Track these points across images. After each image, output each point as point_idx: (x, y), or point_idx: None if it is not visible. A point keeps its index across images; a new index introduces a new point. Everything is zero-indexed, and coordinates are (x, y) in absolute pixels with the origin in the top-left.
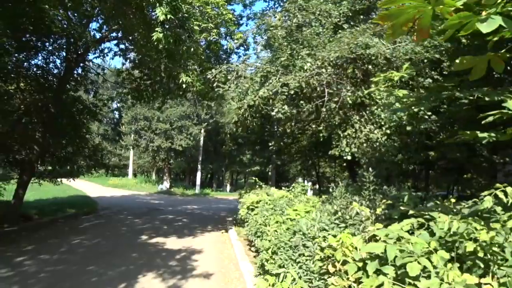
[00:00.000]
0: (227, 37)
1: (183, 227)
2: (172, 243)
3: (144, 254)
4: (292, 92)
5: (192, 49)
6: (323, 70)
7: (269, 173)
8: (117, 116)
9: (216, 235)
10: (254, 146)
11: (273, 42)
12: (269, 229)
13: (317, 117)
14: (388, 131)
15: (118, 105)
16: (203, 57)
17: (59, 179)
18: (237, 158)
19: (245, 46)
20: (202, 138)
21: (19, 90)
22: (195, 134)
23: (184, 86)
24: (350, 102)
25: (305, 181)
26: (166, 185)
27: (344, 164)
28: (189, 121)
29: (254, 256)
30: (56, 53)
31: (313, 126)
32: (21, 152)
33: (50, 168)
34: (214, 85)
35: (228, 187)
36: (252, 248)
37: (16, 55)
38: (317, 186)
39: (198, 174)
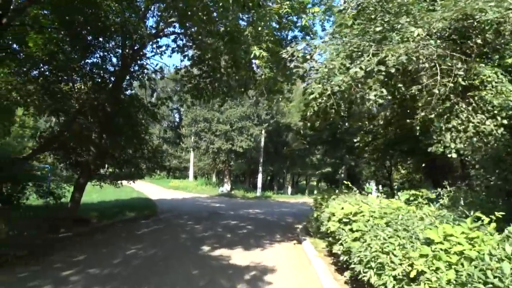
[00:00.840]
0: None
1: (248, 235)
2: (238, 256)
3: (206, 271)
4: (393, 70)
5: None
6: (431, 41)
7: (342, 174)
8: (177, 119)
9: (288, 247)
10: (326, 145)
11: (363, 10)
12: (400, 263)
13: (425, 103)
14: (504, 121)
15: (177, 105)
16: (271, 39)
17: (119, 182)
18: (305, 159)
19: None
20: (263, 139)
21: (74, 89)
22: (255, 135)
23: (255, 62)
24: (463, 83)
25: (374, 184)
26: (226, 187)
27: (423, 165)
28: (249, 122)
29: (346, 282)
30: (112, 50)
31: (422, 113)
32: (80, 153)
33: (110, 170)
34: (292, 65)
35: (289, 190)
36: (344, 273)
37: (72, 53)
38: (380, 188)
39: (259, 176)
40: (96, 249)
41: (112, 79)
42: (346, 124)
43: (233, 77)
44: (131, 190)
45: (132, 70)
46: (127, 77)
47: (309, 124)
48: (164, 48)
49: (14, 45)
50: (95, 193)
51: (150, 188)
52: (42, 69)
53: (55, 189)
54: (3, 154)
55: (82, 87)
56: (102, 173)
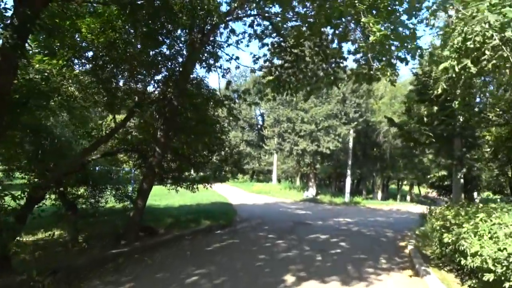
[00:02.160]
0: None
1: (344, 258)
2: None
3: None
4: None
5: None
6: None
7: (462, 179)
8: (260, 121)
9: (402, 281)
10: (440, 142)
11: None
12: None
13: None
14: None
15: (256, 98)
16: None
17: (195, 186)
18: (414, 159)
19: None
20: (351, 139)
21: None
22: (343, 135)
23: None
24: None
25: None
26: (311, 192)
27: None
28: (336, 121)
29: None
30: (181, 38)
31: None
32: (145, 155)
33: (187, 173)
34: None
35: (379, 195)
36: None
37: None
38: None
39: (347, 180)
40: (150, 273)
41: (178, 68)
42: (462, 117)
43: (320, 65)
44: (213, 194)
45: (202, 57)
46: (197, 66)
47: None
48: (240, 36)
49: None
50: (178, 196)
51: (233, 192)
52: (100, 60)
53: (131, 193)
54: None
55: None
56: (176, 176)
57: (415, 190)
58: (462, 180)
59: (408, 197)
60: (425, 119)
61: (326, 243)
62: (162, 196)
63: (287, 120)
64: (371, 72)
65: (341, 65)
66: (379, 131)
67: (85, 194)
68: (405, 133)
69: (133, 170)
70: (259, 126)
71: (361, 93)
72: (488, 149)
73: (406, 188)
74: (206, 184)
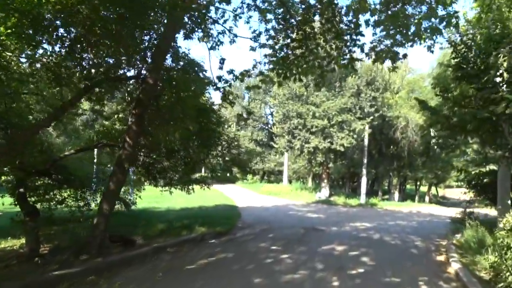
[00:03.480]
0: None
1: (369, 283)
2: None
3: None
4: None
5: None
6: None
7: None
8: (270, 120)
9: None
10: (482, 130)
11: None
12: None
13: None
14: None
15: (259, 82)
16: None
17: (190, 187)
18: (455, 150)
19: None
20: (367, 135)
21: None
22: (358, 131)
23: None
24: None
25: None
26: (324, 193)
27: None
28: (350, 115)
29: None
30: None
31: None
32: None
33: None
34: None
35: (396, 196)
36: None
37: None
38: None
39: (363, 180)
40: None
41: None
42: None
43: (333, 44)
44: (220, 196)
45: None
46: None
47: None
48: (237, 9)
49: None
50: (183, 198)
51: (241, 193)
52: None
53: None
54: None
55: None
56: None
57: (433, 190)
58: (501, 180)
59: (427, 198)
60: (469, 100)
61: (344, 258)
62: (165, 198)
63: (297, 115)
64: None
65: (358, 42)
66: (396, 127)
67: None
68: (442, 119)
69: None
70: (269, 126)
71: (377, 86)
72: None
73: (422, 188)
74: (204, 185)
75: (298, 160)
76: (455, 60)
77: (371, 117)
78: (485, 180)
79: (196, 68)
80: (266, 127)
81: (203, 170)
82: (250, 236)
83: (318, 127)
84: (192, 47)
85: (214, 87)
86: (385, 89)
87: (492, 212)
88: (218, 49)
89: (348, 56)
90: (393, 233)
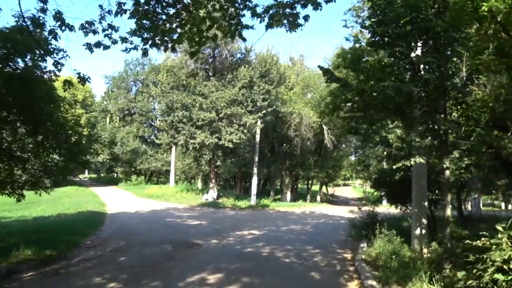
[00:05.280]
0: None
1: None
2: None
3: None
4: None
5: None
6: None
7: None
8: (158, 114)
9: None
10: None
11: None
12: None
13: None
14: None
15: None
16: None
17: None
18: (374, 137)
19: None
20: (258, 131)
21: None
22: (249, 126)
23: None
24: None
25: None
26: (212, 194)
27: None
28: (241, 108)
29: None
30: None
31: None
32: None
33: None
34: None
35: (289, 196)
36: None
37: None
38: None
39: (254, 180)
40: None
41: None
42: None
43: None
44: (93, 200)
45: None
46: None
47: None
48: None
49: None
50: (46, 203)
51: (119, 197)
52: None
53: None
54: None
55: None
56: None
57: (323, 189)
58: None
59: (318, 197)
60: (391, 70)
61: None
62: (27, 204)
63: (182, 107)
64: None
65: (249, 3)
66: (289, 124)
67: None
68: (354, 95)
69: None
70: (152, 120)
71: (271, 78)
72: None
73: (313, 187)
74: (38, 190)
75: (186, 158)
76: (373, 20)
77: (264, 111)
78: (395, 178)
79: None
80: (154, 123)
81: (86, 171)
82: (92, 261)
83: (205, 120)
84: None
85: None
86: (279, 83)
87: (391, 210)
88: None
89: (234, 24)
90: (287, 244)
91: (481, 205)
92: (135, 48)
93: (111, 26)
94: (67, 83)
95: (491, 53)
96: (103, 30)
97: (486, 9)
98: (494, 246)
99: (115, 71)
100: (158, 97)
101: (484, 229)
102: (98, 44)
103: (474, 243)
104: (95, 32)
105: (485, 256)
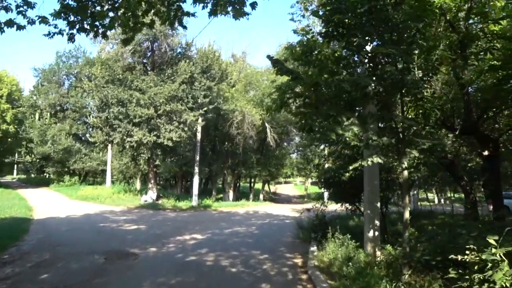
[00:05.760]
0: None
1: None
2: None
3: None
4: None
5: None
6: None
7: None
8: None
9: None
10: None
11: None
12: None
13: None
14: None
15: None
16: None
17: None
18: (331, 134)
19: None
20: (200, 129)
21: None
22: (190, 123)
23: None
24: None
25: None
26: (151, 195)
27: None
28: (181, 104)
29: None
30: None
31: None
32: None
33: None
34: None
35: (231, 195)
36: None
37: None
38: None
39: (195, 179)
40: None
41: None
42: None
43: None
44: (19, 203)
45: None
46: None
47: None
48: None
49: None
50: None
51: (49, 199)
52: None
53: None
54: None
55: None
56: None
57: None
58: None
59: (261, 196)
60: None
61: None
62: None
63: (118, 102)
64: None
65: None
66: (231, 121)
67: None
68: (306, 91)
69: None
70: (86, 115)
71: (212, 74)
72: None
73: (256, 186)
74: None
75: (123, 157)
76: (328, 8)
77: (205, 108)
78: (343, 178)
79: None
80: (88, 120)
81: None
82: (6, 281)
83: (143, 117)
84: None
85: None
86: (221, 80)
87: (332, 207)
88: None
89: (175, 6)
90: (232, 250)
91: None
92: (60, 32)
93: (26, 2)
94: None
95: (443, 50)
96: (17, 6)
97: (438, 6)
98: (489, 264)
99: (45, 63)
100: (92, 91)
101: (427, 225)
102: (10, 23)
103: (459, 257)
104: (7, 9)
105: (477, 276)
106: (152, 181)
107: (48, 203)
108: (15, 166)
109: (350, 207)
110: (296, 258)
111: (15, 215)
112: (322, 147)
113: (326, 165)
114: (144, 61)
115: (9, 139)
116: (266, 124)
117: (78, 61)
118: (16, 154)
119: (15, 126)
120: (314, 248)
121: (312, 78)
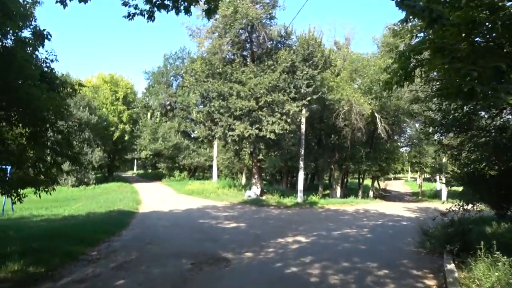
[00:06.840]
0: None
1: None
2: None
3: None
4: None
5: None
6: None
7: None
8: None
9: None
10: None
11: None
12: None
13: None
14: None
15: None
16: None
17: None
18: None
19: None
20: (304, 120)
21: None
22: (293, 114)
23: None
24: None
25: None
26: (255, 190)
27: None
28: (283, 94)
29: None
30: None
31: None
32: None
33: None
34: None
35: (338, 191)
36: None
37: None
38: None
39: (300, 175)
40: None
41: None
42: None
43: None
44: (128, 197)
45: None
46: None
47: None
48: None
49: None
50: (85, 200)
51: (158, 193)
52: None
53: None
54: None
55: None
56: None
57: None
58: None
59: (371, 193)
60: None
61: None
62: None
63: (218, 96)
64: None
65: None
66: (337, 112)
67: None
68: (456, 37)
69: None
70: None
71: (315, 62)
72: None
73: (369, 182)
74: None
75: (227, 152)
76: None
77: (309, 98)
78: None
79: None
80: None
81: (135, 167)
82: (81, 284)
83: (244, 109)
84: None
85: None
86: (324, 68)
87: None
88: None
89: None
90: (342, 259)
91: None
92: (141, 13)
93: None
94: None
95: None
96: None
97: None
98: None
99: (154, 66)
100: (193, 86)
101: None
102: None
103: None
104: None
105: None
106: (256, 176)
107: (156, 197)
108: (135, 162)
109: (499, 210)
110: (427, 279)
111: (123, 208)
112: (435, 137)
113: (444, 160)
114: (243, 53)
115: (126, 138)
116: (376, 114)
117: (183, 61)
118: (135, 152)
119: (130, 126)
120: (451, 267)
121: (462, 17)
